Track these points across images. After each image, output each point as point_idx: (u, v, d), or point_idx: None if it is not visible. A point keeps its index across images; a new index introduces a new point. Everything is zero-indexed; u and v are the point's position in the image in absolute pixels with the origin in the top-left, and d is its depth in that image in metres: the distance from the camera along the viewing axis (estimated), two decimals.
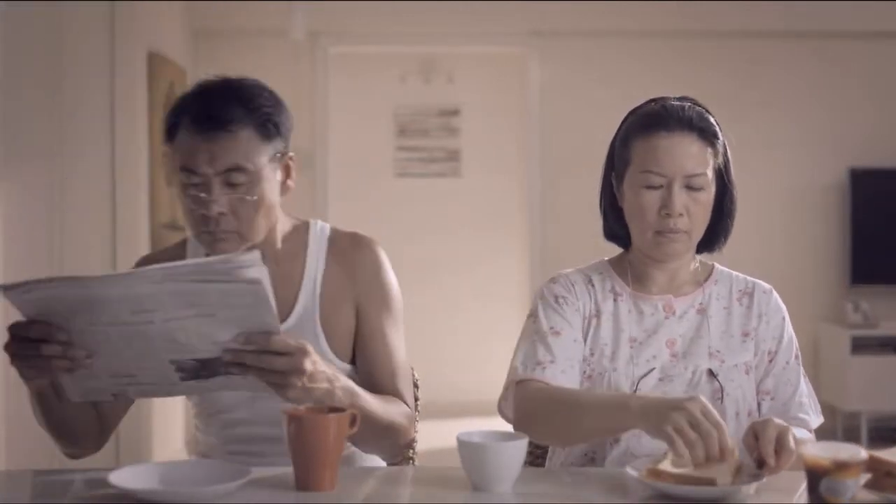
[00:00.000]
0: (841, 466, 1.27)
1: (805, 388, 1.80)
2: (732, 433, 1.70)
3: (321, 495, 1.43)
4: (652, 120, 1.74)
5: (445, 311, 6.39)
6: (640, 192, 1.72)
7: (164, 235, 4.83)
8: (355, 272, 1.78)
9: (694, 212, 1.71)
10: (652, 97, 1.81)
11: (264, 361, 1.40)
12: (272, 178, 1.67)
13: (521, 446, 1.45)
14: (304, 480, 1.44)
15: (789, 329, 1.82)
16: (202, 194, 1.61)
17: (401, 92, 6.57)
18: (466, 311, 6.38)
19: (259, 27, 5.53)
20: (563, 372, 1.71)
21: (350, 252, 1.79)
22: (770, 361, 1.79)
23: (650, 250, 1.76)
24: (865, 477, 1.35)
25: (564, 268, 1.87)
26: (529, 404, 1.68)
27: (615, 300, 1.79)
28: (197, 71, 5.56)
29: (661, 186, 1.71)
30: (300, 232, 1.80)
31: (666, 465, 1.44)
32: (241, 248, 1.65)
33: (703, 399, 1.44)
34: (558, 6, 5.56)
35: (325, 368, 1.51)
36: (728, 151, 1.78)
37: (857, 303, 5.45)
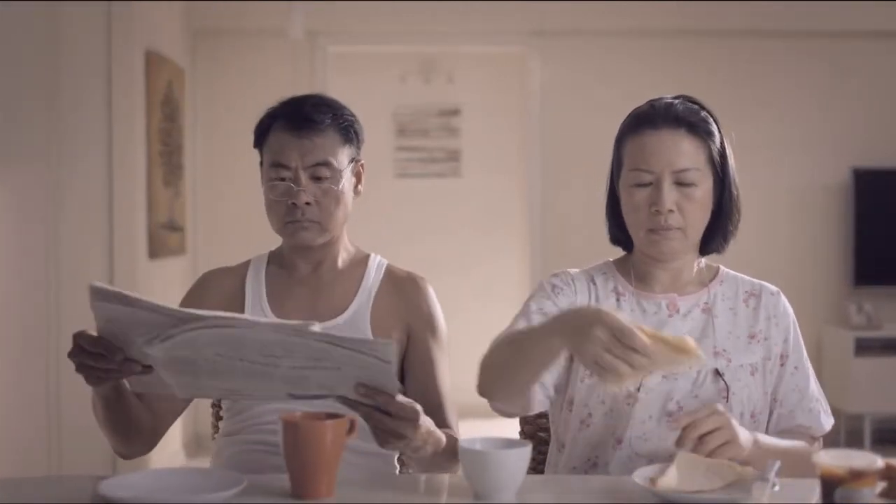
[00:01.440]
0: (856, 475, 1.24)
1: (815, 390, 1.78)
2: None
3: (318, 503, 1.40)
4: (640, 119, 1.74)
5: (445, 312, 6.32)
6: (631, 191, 1.71)
7: (163, 236, 4.80)
8: (406, 299, 1.91)
9: (687, 209, 1.69)
10: (651, 98, 1.79)
11: (375, 418, 1.48)
12: (349, 178, 1.87)
13: (524, 454, 1.41)
14: (301, 488, 1.41)
15: (797, 332, 1.80)
16: (292, 185, 1.81)
17: (400, 92, 6.55)
18: (466, 312, 6.35)
19: (258, 26, 5.50)
20: None
21: (404, 283, 1.93)
22: (782, 365, 1.76)
23: (646, 249, 1.74)
24: (881, 485, 1.32)
25: (565, 268, 1.85)
26: (484, 359, 1.68)
27: (618, 299, 1.78)
28: (195, 70, 5.53)
29: (651, 184, 1.69)
30: (361, 259, 1.96)
31: (667, 480, 1.42)
32: (320, 239, 1.84)
33: (606, 314, 1.41)
34: (559, 6, 5.53)
35: (427, 427, 1.58)
36: (727, 148, 1.75)
37: (861, 304, 5.42)
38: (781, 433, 1.74)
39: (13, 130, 3.82)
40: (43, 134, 4.09)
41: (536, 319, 1.72)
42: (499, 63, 6.41)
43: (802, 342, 1.80)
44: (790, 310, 1.80)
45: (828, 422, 1.77)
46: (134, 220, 4.45)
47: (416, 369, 1.89)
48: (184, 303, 1.90)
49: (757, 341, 1.75)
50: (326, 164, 1.82)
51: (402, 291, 1.91)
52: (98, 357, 1.48)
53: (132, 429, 1.76)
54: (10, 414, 3.66)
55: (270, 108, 1.89)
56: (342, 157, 1.85)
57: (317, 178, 1.82)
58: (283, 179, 1.82)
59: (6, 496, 1.51)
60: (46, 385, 3.99)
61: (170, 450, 4.85)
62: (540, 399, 1.74)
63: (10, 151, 3.80)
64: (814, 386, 1.78)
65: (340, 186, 1.83)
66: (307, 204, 1.81)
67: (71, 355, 1.51)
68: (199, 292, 1.94)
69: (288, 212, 1.83)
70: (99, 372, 1.51)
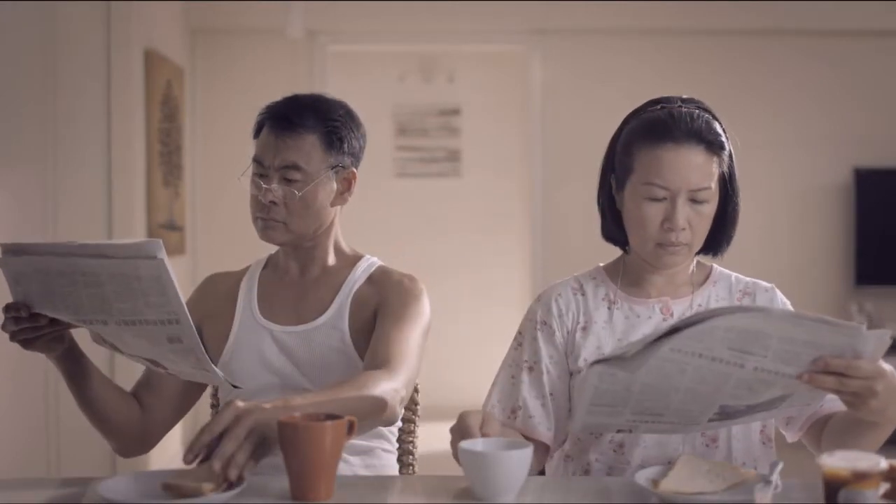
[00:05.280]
0: (860, 477, 1.23)
1: None
2: (738, 434, 1.67)
3: None
4: (658, 129, 1.66)
5: (445, 313, 6.29)
6: (643, 204, 1.67)
7: (162, 236, 4.79)
8: (387, 287, 1.86)
9: (696, 224, 1.67)
10: (656, 97, 1.74)
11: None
12: (326, 185, 1.85)
13: (525, 455, 1.40)
14: (300, 489, 1.40)
15: None
16: (262, 183, 1.82)
17: (400, 91, 6.54)
18: (466, 313, 6.34)
19: (257, 25, 5.49)
20: (531, 417, 1.72)
21: (389, 278, 1.89)
22: None
23: (650, 260, 1.72)
24: (884, 486, 1.31)
25: (566, 269, 1.84)
26: None
27: (609, 308, 1.76)
28: (195, 69, 5.52)
29: (665, 199, 1.66)
30: (352, 260, 1.94)
31: (669, 482, 1.41)
32: (285, 239, 1.86)
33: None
34: (560, 4, 5.53)
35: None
36: (733, 159, 1.73)
37: (862, 304, 5.41)
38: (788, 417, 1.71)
39: (12, 130, 3.81)
40: (41, 134, 4.08)
41: (526, 378, 1.74)
42: (499, 62, 6.40)
43: None
44: (786, 301, 1.76)
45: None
46: (133, 220, 4.44)
47: (378, 325, 1.80)
48: (187, 303, 1.90)
49: None
50: (296, 168, 1.82)
51: (384, 285, 1.87)
52: (14, 320, 1.56)
53: (111, 419, 1.81)
54: (8, 415, 3.65)
55: (270, 102, 1.90)
56: (317, 163, 1.83)
57: (287, 180, 1.82)
58: (259, 176, 1.84)
59: (4, 497, 1.50)
60: (45, 386, 3.98)
61: (170, 451, 4.84)
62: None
63: (9, 152, 3.79)
64: None
65: (307, 191, 1.82)
66: (273, 203, 1.82)
67: (3, 326, 1.60)
68: (200, 292, 1.99)
69: (259, 207, 1.85)
70: (21, 335, 1.58)
